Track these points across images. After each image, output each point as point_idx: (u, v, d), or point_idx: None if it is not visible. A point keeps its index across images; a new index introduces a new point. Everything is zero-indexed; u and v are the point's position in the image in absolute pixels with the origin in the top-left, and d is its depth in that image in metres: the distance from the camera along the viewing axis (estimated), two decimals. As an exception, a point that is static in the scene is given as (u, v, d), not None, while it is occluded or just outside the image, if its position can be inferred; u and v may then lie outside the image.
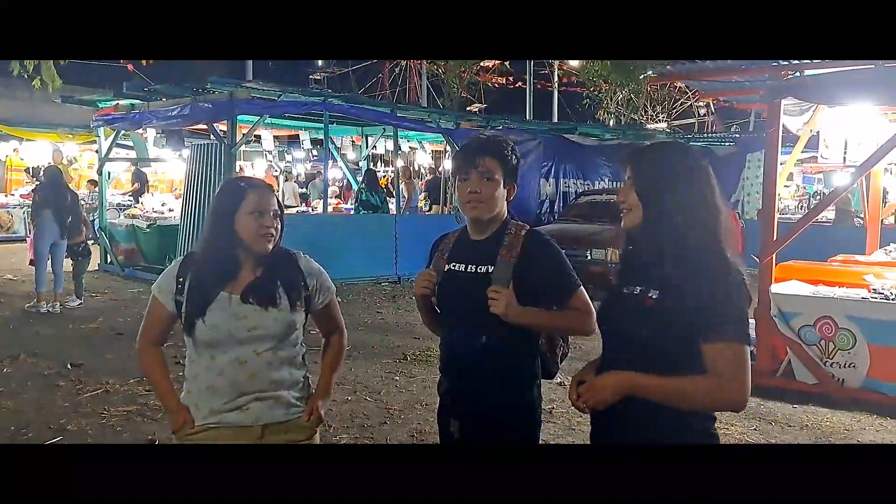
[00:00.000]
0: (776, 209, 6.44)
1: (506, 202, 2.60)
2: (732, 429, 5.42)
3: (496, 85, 26.11)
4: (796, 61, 6.03)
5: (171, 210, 13.26)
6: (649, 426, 2.01)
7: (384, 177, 16.35)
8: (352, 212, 13.66)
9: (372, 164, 15.90)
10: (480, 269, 2.52)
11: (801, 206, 19.35)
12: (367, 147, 15.24)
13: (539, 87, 26.34)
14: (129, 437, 4.92)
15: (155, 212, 13.11)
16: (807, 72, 6.18)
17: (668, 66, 6.66)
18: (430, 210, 15.32)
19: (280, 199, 2.57)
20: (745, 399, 1.95)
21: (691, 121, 28.54)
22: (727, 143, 17.06)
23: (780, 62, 6.11)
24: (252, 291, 2.43)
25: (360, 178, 14.33)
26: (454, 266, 2.59)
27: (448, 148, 14.08)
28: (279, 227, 2.46)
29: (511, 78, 26.80)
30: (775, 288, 6.39)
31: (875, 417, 5.68)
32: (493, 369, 2.50)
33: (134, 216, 12.88)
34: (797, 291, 6.38)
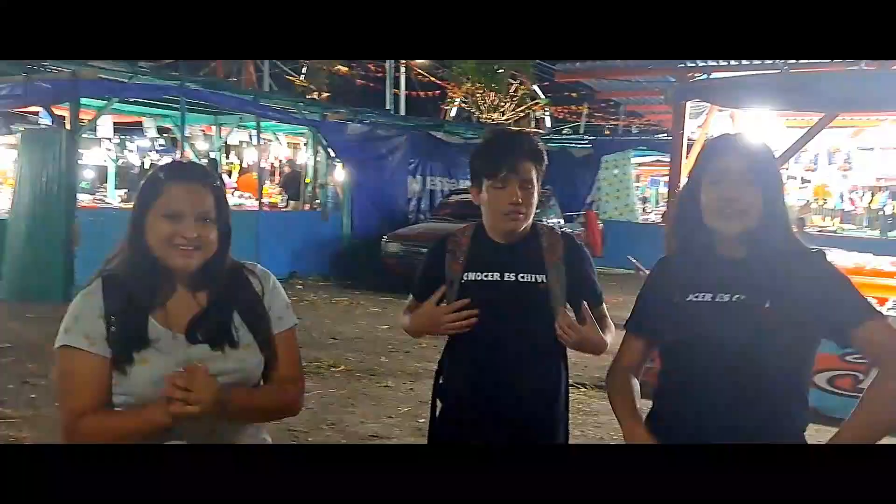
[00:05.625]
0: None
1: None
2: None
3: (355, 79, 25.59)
4: (702, 63, 6.04)
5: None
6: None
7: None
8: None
9: (225, 155, 14.90)
10: (525, 277, 2.20)
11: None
12: (220, 137, 14.22)
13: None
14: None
15: (-26, 205, 11.47)
16: (714, 74, 6.20)
17: (578, 64, 6.48)
18: (287, 206, 14.54)
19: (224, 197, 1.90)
20: None
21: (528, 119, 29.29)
22: (583, 146, 17.50)
23: (687, 63, 6.10)
24: (200, 325, 1.81)
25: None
26: (484, 275, 2.22)
27: (309, 140, 13.39)
28: (214, 235, 1.82)
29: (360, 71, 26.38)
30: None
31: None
32: (539, 379, 2.23)
33: (-53, 210, 11.20)
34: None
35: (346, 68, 27.19)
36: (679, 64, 6.16)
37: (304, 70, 25.34)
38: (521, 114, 26.84)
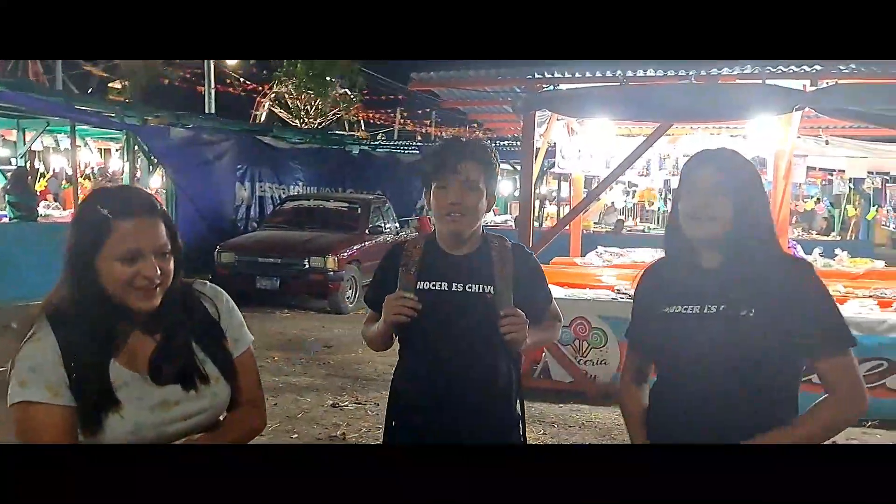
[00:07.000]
0: (532, 217, 6.71)
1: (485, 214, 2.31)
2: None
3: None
4: (549, 74, 6.34)
5: None
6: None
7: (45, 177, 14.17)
8: (6, 219, 11.61)
9: (29, 161, 13.61)
10: (473, 288, 2.20)
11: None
12: (23, 143, 12.95)
13: (199, 89, 25.08)
14: None
15: None
16: (561, 86, 6.51)
17: (432, 73, 6.57)
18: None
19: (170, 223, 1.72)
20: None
21: (343, 133, 29.35)
22: (411, 151, 17.71)
23: (535, 75, 6.37)
24: (165, 364, 1.68)
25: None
26: (433, 285, 2.22)
27: (125, 146, 12.54)
28: (172, 266, 1.68)
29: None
30: (532, 292, 6.65)
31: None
32: (489, 390, 2.23)
33: None
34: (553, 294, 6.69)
35: (129, 100, 26.08)
36: (528, 76, 6.42)
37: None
38: (340, 119, 26.81)
